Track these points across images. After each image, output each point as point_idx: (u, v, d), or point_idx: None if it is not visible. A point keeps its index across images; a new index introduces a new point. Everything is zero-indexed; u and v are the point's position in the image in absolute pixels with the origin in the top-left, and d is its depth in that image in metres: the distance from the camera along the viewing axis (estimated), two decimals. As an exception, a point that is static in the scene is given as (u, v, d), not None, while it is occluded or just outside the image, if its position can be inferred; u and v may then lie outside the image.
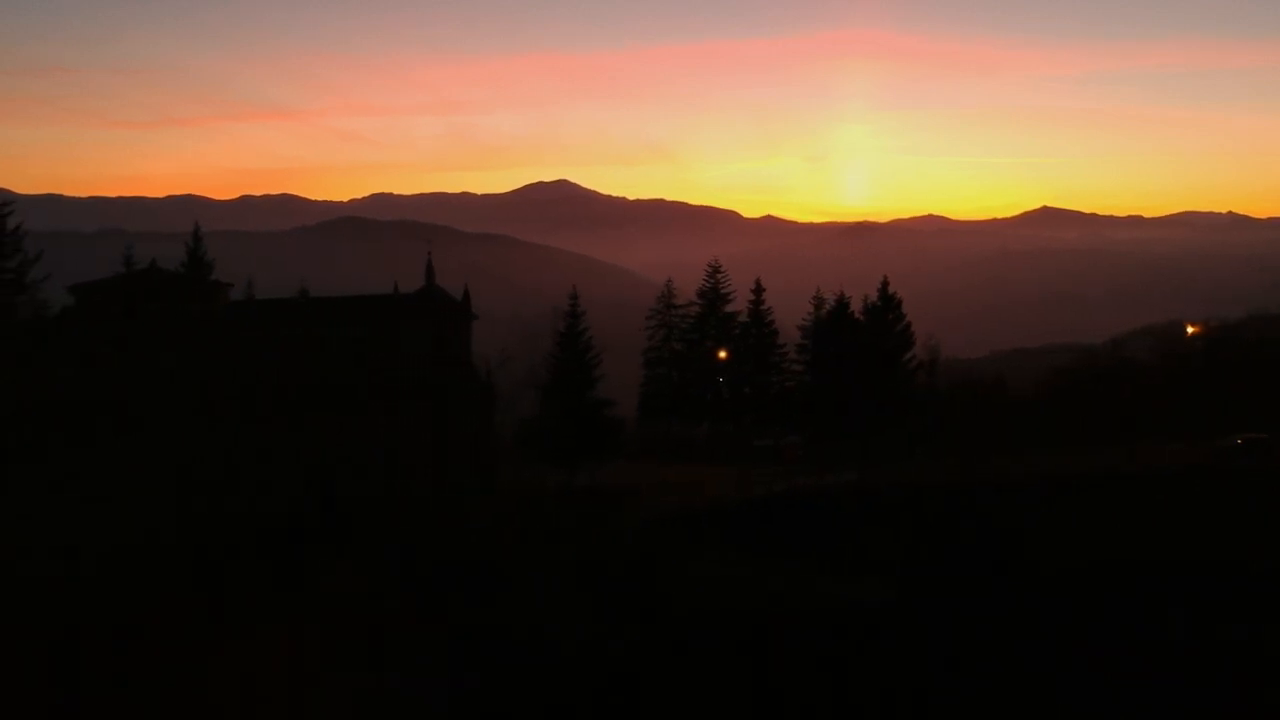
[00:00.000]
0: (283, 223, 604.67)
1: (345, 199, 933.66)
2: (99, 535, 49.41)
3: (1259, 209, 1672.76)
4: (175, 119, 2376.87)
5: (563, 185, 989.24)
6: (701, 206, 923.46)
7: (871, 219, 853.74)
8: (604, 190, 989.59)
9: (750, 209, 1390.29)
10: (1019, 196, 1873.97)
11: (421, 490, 63.53)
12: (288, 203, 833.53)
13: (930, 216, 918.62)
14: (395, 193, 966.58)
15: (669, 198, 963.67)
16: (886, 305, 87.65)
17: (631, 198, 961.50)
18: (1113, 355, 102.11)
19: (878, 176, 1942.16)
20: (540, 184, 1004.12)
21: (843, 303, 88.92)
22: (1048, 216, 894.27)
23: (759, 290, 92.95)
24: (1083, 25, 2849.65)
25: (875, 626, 36.76)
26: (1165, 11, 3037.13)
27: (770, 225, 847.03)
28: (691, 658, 34.25)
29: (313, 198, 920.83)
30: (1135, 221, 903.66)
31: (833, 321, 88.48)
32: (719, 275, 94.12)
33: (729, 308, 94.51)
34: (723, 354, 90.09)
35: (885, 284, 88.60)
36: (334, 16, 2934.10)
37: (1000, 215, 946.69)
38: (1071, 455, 70.72)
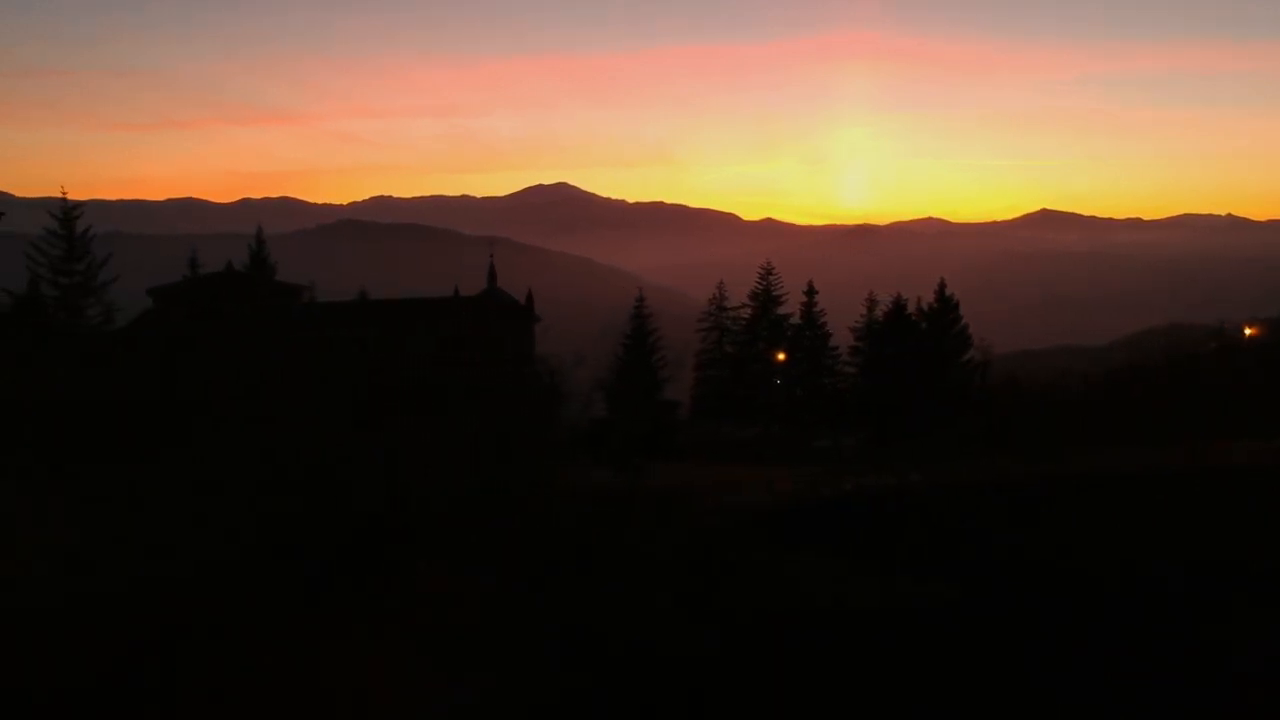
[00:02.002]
0: (283, 225, 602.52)
1: (345, 202, 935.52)
2: (186, 537, 49.09)
3: (1258, 211, 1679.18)
4: (175, 121, 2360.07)
5: (562, 188, 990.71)
6: (701, 209, 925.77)
7: (871, 221, 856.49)
8: (603, 193, 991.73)
9: (750, 211, 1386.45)
10: (1018, 199, 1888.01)
11: (479, 492, 63.30)
12: (287, 205, 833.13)
13: (930, 219, 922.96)
14: (395, 195, 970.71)
15: (668, 200, 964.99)
16: (945, 307, 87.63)
17: (631, 200, 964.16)
18: (1162, 355, 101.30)
19: (877, 179, 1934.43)
20: (539, 186, 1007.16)
21: (900, 305, 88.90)
22: (1047, 219, 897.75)
23: (811, 293, 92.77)
24: (1081, 27, 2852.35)
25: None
26: (1164, 14, 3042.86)
27: (770, 228, 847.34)
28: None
29: (312, 200, 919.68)
30: (1135, 224, 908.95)
31: (890, 323, 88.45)
32: (771, 277, 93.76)
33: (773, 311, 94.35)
34: (781, 356, 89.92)
35: (943, 285, 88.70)
36: (333, 19, 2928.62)
37: (1000, 218, 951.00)
38: (1145, 455, 70.33)
